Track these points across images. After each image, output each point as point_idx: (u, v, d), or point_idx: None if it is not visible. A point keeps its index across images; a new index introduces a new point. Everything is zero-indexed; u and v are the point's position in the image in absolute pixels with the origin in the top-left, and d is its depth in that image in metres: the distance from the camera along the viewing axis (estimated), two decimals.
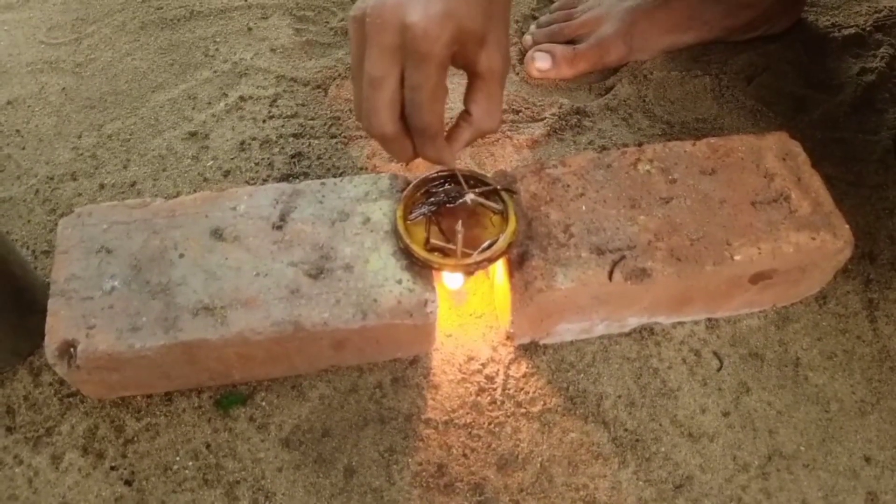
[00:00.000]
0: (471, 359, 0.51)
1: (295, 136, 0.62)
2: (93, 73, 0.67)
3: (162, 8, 0.72)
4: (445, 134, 0.44)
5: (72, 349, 0.43)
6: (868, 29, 0.70)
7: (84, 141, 0.62)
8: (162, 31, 0.70)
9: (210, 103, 0.65)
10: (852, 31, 0.70)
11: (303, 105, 0.65)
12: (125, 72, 0.67)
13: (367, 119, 0.41)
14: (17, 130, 0.63)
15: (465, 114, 0.43)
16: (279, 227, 0.48)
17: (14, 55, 0.68)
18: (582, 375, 0.50)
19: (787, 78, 0.67)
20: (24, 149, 0.61)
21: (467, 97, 0.43)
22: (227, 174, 0.60)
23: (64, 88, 0.65)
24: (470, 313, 0.53)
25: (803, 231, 0.48)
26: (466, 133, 0.44)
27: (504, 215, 0.48)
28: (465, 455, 0.47)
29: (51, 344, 0.43)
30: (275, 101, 0.65)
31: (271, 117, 0.64)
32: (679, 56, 0.68)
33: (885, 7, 0.72)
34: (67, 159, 0.61)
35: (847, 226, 0.49)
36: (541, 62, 0.66)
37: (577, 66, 0.66)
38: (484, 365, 0.51)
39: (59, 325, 0.44)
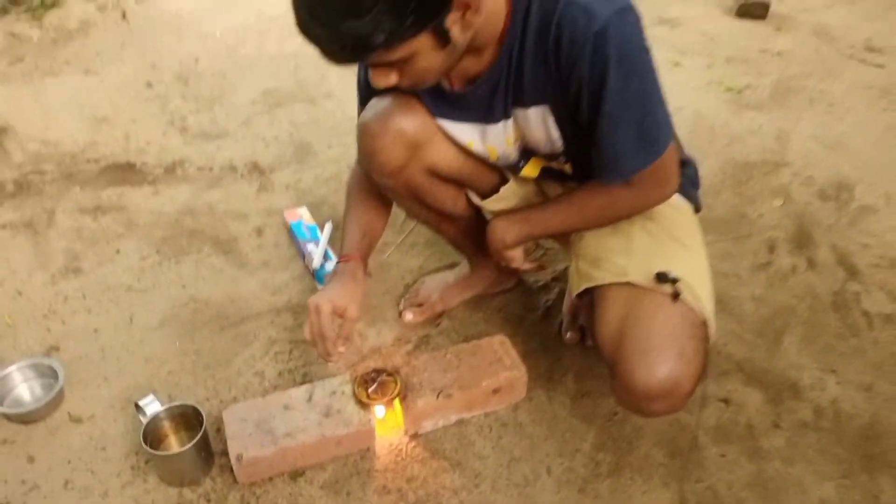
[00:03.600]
0: (391, 444, 1.25)
1: (303, 365, 1.40)
2: (195, 354, 1.43)
3: (228, 316, 1.51)
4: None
5: (240, 456, 1.16)
6: (549, 280, 1.58)
7: (210, 404, 1.37)
8: (229, 329, 1.49)
9: (261, 358, 1.42)
10: (541, 281, 1.57)
11: (301, 353, 1.43)
12: (217, 352, 1.44)
13: (312, 343, 1.18)
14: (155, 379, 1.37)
15: (340, 339, 1.21)
16: (309, 401, 1.24)
17: (132, 352, 1.44)
18: (438, 441, 1.25)
19: (515, 307, 1.52)
20: (167, 392, 1.36)
21: (341, 330, 1.20)
22: (276, 388, 1.36)
23: (170, 373, 1.41)
24: (390, 427, 1.28)
25: (507, 371, 1.29)
26: (341, 345, 1.21)
27: (396, 382, 1.26)
28: (395, 478, 1.20)
29: (232, 455, 1.16)
30: (290, 352, 1.43)
31: (289, 360, 1.41)
32: (468, 302, 1.52)
33: (555, 269, 1.60)
34: (200, 397, 1.35)
35: (523, 366, 1.30)
36: (408, 316, 1.48)
37: (424, 316, 1.48)
38: (398, 445, 1.25)
39: (234, 448, 1.17)
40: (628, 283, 1.10)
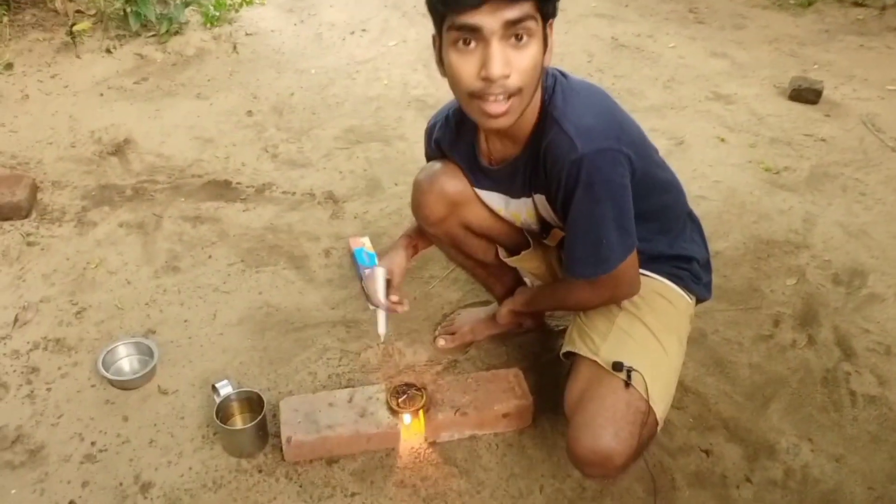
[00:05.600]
0: (413, 448, 1.50)
1: (348, 371, 1.66)
2: (269, 342, 1.72)
3: (293, 322, 1.80)
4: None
5: (290, 438, 1.43)
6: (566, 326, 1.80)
7: (270, 393, 1.65)
8: (293, 333, 1.77)
9: (315, 361, 1.69)
10: (560, 326, 1.79)
11: (349, 361, 1.69)
12: (281, 351, 1.72)
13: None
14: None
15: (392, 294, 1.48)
16: (350, 402, 1.51)
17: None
18: (451, 450, 1.49)
19: (535, 346, 1.74)
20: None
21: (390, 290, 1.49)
22: (324, 387, 1.62)
23: (241, 364, 1.70)
24: (413, 433, 1.52)
25: (517, 399, 1.52)
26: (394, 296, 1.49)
27: (423, 396, 1.51)
28: (412, 476, 1.44)
29: (283, 437, 1.43)
30: (340, 359, 1.69)
31: (339, 366, 1.68)
32: (495, 337, 1.75)
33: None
34: (263, 386, 1.63)
35: (531, 397, 1.52)
36: (441, 342, 1.73)
37: (455, 343, 1.73)
38: (418, 449, 1.50)
39: (286, 432, 1.44)
40: (595, 361, 1.33)
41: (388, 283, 1.48)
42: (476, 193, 1.45)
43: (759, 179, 2.39)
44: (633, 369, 1.29)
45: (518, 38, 1.07)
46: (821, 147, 2.58)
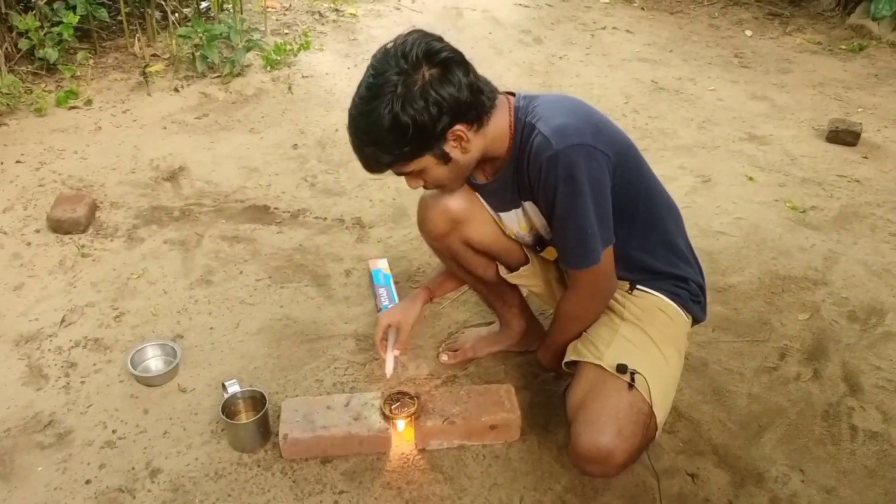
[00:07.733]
0: (402, 453, 1.57)
1: (352, 381, 1.76)
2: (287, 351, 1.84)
3: (308, 333, 1.92)
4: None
5: (286, 435, 1.53)
6: None
7: (279, 396, 1.76)
8: (306, 343, 1.89)
9: (324, 370, 1.80)
10: None
11: (354, 371, 1.79)
12: (293, 359, 1.84)
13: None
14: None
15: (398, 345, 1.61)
16: (346, 406, 1.60)
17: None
18: (439, 458, 1.55)
19: (534, 366, 1.79)
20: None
21: (397, 340, 1.61)
22: (328, 393, 1.72)
23: (255, 368, 1.82)
24: (404, 439, 1.60)
25: (504, 413, 1.57)
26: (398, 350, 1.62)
27: (414, 403, 1.58)
28: (398, 479, 1.51)
29: (281, 434, 1.53)
30: (346, 369, 1.80)
31: (344, 375, 1.78)
32: (496, 355, 1.82)
33: None
34: (272, 390, 1.75)
35: (519, 411, 1.57)
36: (443, 358, 1.80)
37: (457, 360, 1.80)
38: (408, 455, 1.57)
39: (284, 430, 1.54)
40: (599, 366, 1.38)
41: (397, 333, 1.65)
42: (482, 208, 1.55)
43: (783, 217, 2.38)
44: (637, 372, 1.34)
45: (411, 173, 1.34)
46: (854, 188, 2.55)
